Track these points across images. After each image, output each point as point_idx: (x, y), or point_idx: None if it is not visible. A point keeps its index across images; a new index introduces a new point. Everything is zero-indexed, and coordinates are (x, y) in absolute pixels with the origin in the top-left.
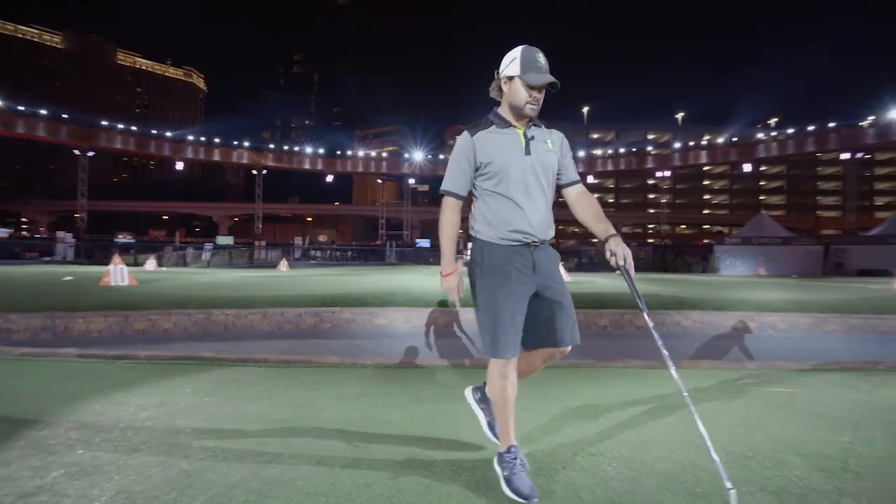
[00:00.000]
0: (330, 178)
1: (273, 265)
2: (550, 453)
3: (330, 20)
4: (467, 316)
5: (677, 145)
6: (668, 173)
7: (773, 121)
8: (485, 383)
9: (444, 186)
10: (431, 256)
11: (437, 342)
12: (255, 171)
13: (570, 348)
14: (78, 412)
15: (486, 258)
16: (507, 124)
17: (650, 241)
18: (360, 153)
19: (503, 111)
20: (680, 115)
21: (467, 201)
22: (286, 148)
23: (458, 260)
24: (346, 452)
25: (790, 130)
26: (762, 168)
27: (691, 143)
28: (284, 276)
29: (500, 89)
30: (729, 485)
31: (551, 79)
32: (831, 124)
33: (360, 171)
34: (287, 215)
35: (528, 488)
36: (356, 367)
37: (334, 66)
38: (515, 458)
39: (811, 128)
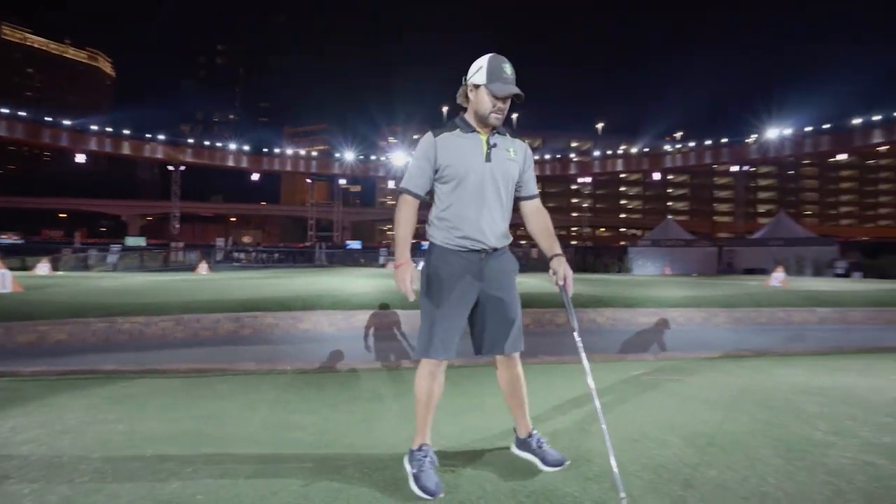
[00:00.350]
0: (256, 177)
1: (191, 268)
2: (460, 449)
3: (257, 11)
4: (396, 318)
5: (597, 153)
6: (588, 179)
7: (678, 134)
8: (514, 430)
9: (403, 184)
10: (363, 258)
11: (369, 344)
12: (171, 167)
13: (516, 355)
14: None
15: (433, 262)
16: (471, 129)
17: (573, 242)
18: (289, 151)
19: (468, 117)
20: (599, 126)
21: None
22: (207, 143)
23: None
24: (254, 462)
25: (691, 144)
26: (669, 177)
27: (609, 152)
28: (204, 279)
29: (466, 96)
30: (622, 495)
31: (516, 90)
32: (724, 140)
33: (289, 170)
34: (209, 215)
35: (433, 485)
36: (273, 373)
37: (261, 60)
38: (426, 457)
39: (708, 142)
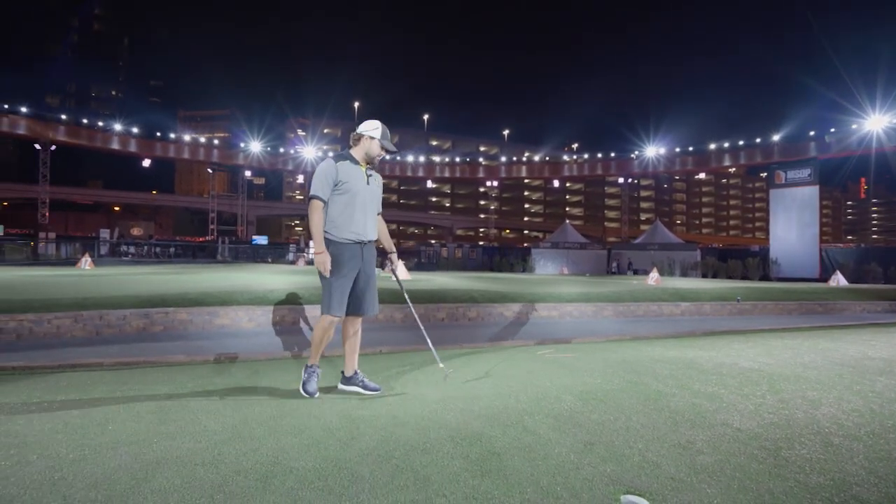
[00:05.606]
0: (147, 163)
1: (69, 262)
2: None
3: None
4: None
5: (503, 159)
6: (495, 183)
7: (575, 145)
8: (342, 372)
9: (314, 192)
10: (270, 255)
11: (283, 338)
12: (38, 146)
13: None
14: None
15: (332, 250)
16: (356, 163)
17: (481, 243)
18: (187, 137)
19: (355, 153)
20: (506, 132)
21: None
22: (86, 121)
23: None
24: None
25: (586, 156)
26: (567, 184)
27: (514, 158)
28: (91, 275)
29: (358, 141)
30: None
31: (394, 149)
32: (612, 154)
33: (187, 158)
34: (86, 203)
35: (313, 389)
36: (225, 362)
37: (150, 31)
38: (314, 372)
39: (599, 155)
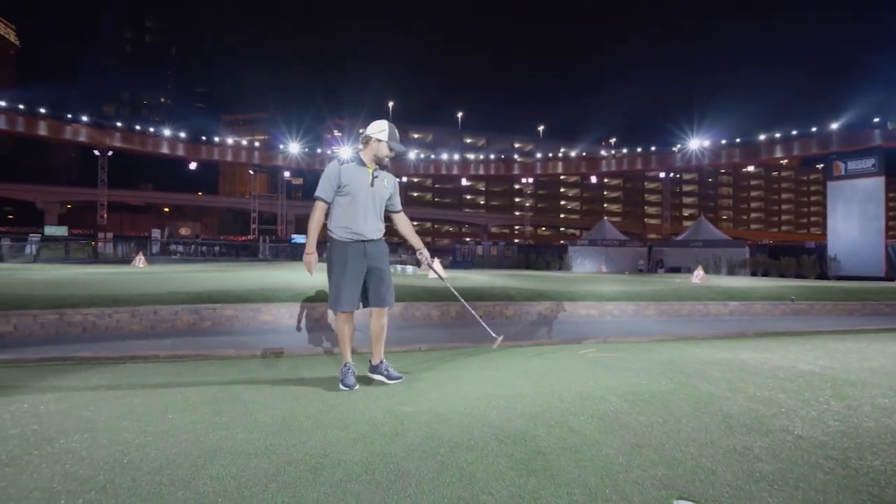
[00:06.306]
0: (193, 166)
1: (124, 261)
2: (459, 404)
3: None
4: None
5: (539, 156)
6: (531, 180)
7: (613, 140)
8: (370, 361)
9: (318, 194)
10: None
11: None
12: (97, 152)
13: (387, 308)
14: None
15: (337, 249)
16: (363, 164)
17: (516, 241)
18: (230, 140)
19: (364, 155)
20: (541, 129)
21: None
22: (138, 128)
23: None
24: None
25: (625, 150)
26: (605, 180)
27: (550, 155)
28: (145, 272)
29: (367, 143)
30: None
31: (403, 149)
32: (653, 148)
33: (230, 160)
34: (138, 204)
35: (351, 382)
36: (271, 356)
37: (195, 40)
38: (349, 368)
39: (639, 149)
